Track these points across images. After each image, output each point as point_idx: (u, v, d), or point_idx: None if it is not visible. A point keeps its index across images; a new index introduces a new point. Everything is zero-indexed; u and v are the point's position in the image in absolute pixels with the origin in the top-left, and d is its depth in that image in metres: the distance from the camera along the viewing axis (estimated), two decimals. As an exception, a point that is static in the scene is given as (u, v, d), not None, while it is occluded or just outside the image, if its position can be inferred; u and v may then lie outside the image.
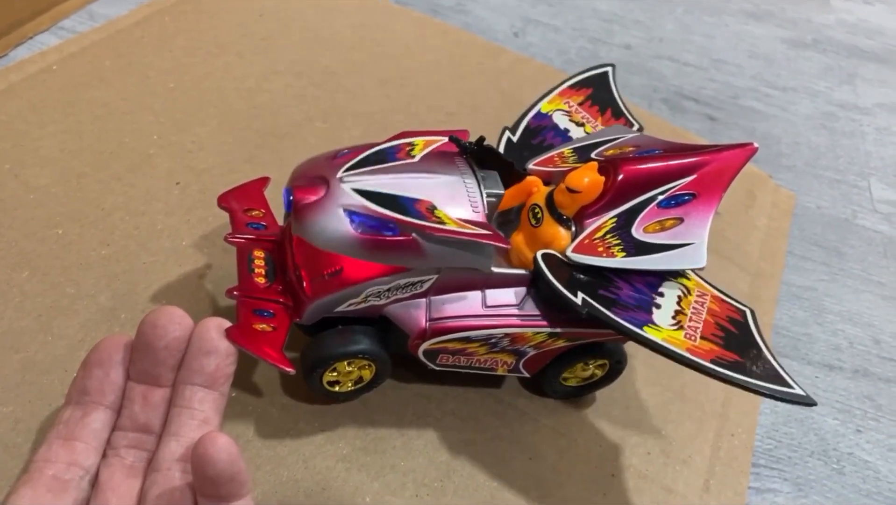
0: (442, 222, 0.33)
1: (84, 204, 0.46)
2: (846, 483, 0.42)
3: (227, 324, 0.32)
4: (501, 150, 0.42)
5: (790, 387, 0.32)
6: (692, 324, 0.35)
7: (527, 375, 0.39)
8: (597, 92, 0.46)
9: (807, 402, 0.32)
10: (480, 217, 0.34)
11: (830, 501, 0.41)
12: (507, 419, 0.40)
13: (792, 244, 0.57)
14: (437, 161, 0.36)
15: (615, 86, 0.47)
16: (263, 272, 0.37)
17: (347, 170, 0.34)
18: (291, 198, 0.34)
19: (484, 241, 0.33)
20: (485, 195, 0.35)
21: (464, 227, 0.33)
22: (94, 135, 0.51)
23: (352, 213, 0.33)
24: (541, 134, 0.43)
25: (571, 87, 0.47)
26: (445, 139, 0.38)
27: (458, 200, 0.34)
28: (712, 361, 0.32)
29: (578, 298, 0.33)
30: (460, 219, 0.33)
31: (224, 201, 0.40)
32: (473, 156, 0.38)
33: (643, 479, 0.39)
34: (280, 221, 0.40)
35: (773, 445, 0.43)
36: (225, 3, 0.67)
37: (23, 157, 0.49)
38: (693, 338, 0.34)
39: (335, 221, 0.33)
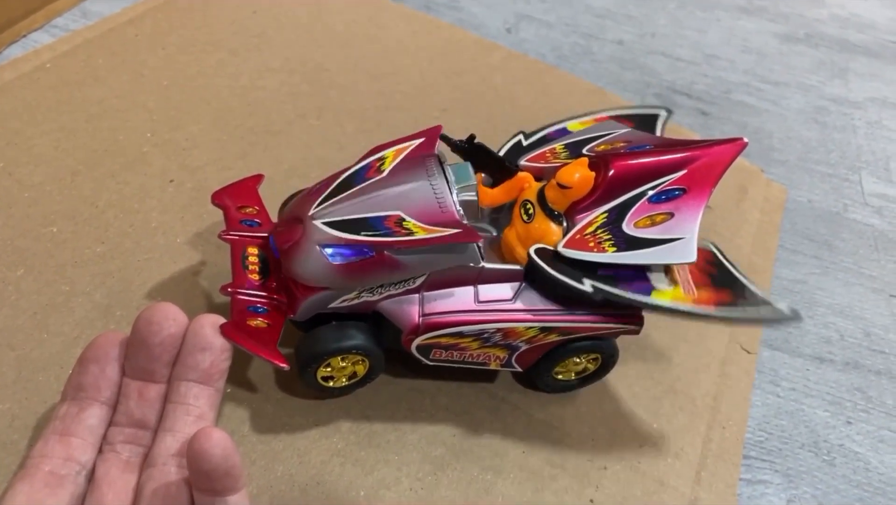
0: (411, 233, 0.33)
1: (78, 202, 0.47)
2: (836, 474, 0.42)
3: (222, 320, 0.32)
4: (507, 148, 0.42)
5: (778, 308, 0.35)
6: (683, 275, 0.36)
7: (519, 369, 0.39)
8: (637, 127, 0.42)
9: (793, 317, 0.35)
10: (451, 215, 0.35)
11: (821, 493, 0.41)
12: (500, 413, 0.41)
13: (783, 238, 0.57)
14: (406, 169, 0.37)
15: (662, 130, 0.43)
16: (257, 269, 0.37)
17: (319, 204, 0.36)
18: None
19: (452, 241, 0.33)
20: (455, 191, 0.36)
21: (432, 231, 0.33)
22: (87, 133, 0.51)
23: (325, 247, 0.34)
24: (551, 144, 0.43)
25: (614, 116, 0.44)
26: (417, 142, 0.38)
27: (426, 205, 0.35)
28: (717, 307, 0.35)
29: (587, 286, 0.34)
30: (430, 223, 0.34)
31: (218, 199, 0.40)
32: (464, 153, 0.38)
33: (635, 471, 0.39)
34: (273, 218, 0.40)
35: (764, 437, 0.44)
36: (217, 0, 0.67)
37: (17, 155, 0.49)
38: (690, 290, 0.36)
39: (314, 259, 0.34)
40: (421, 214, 0.35)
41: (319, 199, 0.36)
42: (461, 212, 0.35)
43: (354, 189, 0.36)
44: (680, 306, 0.35)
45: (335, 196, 0.36)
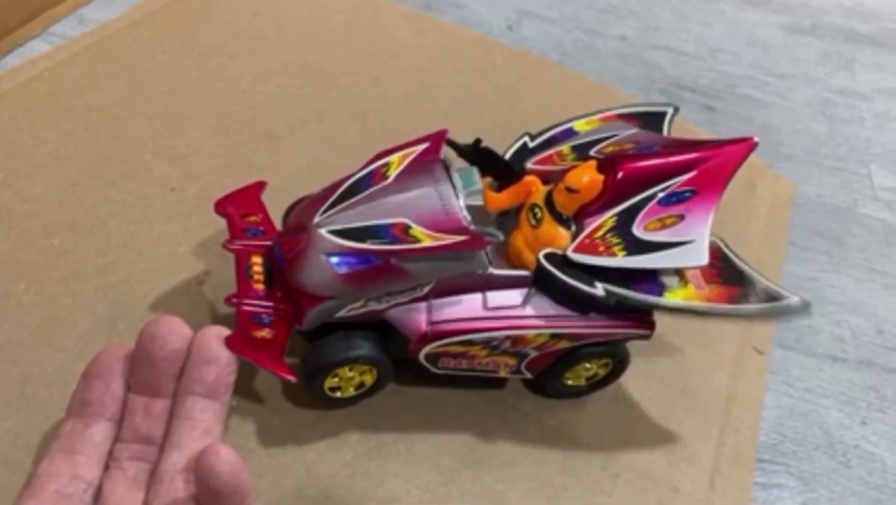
0: (417, 240, 0.33)
1: (80, 213, 0.46)
2: (852, 476, 0.42)
3: (227, 332, 0.32)
4: (512, 151, 0.41)
5: (789, 300, 0.36)
6: (693, 271, 0.36)
7: (529, 376, 0.39)
8: (645, 126, 0.41)
9: (805, 307, 0.36)
10: (458, 222, 0.34)
11: (837, 495, 0.41)
12: (509, 421, 0.40)
13: (793, 234, 0.56)
14: (411, 175, 0.36)
15: (669, 128, 0.42)
16: (262, 278, 0.37)
17: (324, 212, 0.35)
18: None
19: (459, 248, 0.33)
20: (462, 197, 0.35)
21: (439, 238, 0.33)
22: (87, 142, 0.51)
23: (331, 255, 0.33)
24: (558, 146, 0.42)
25: (620, 115, 0.43)
26: (422, 147, 0.38)
27: (432, 211, 0.34)
28: (730, 303, 0.35)
29: (600, 290, 0.34)
30: (436, 229, 0.34)
31: (221, 207, 0.40)
32: (470, 157, 0.38)
33: (648, 478, 0.39)
34: (277, 226, 0.40)
35: (778, 439, 0.43)
36: (217, 3, 0.66)
37: (16, 166, 0.48)
38: (701, 286, 0.36)
39: (318, 267, 0.34)
40: (427, 221, 0.34)
41: (324, 207, 0.36)
42: (468, 218, 0.34)
43: (360, 196, 0.36)
44: (693, 305, 0.35)
45: (340, 203, 0.36)
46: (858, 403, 0.46)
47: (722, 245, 0.39)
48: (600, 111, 0.43)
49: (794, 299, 0.36)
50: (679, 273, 0.36)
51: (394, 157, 0.38)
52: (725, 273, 0.37)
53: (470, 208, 0.35)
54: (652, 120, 0.42)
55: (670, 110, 0.43)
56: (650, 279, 0.36)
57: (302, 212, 0.37)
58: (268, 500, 0.35)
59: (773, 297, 0.36)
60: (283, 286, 0.36)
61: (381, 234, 0.34)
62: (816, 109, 0.70)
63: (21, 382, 0.38)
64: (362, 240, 0.33)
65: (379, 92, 0.60)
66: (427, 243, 0.33)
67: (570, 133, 0.42)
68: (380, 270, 0.33)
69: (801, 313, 0.36)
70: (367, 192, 0.36)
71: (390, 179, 0.36)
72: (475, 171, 0.37)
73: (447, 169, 0.36)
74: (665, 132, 0.42)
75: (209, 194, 0.46)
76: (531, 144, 0.42)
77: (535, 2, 0.80)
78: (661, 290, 0.35)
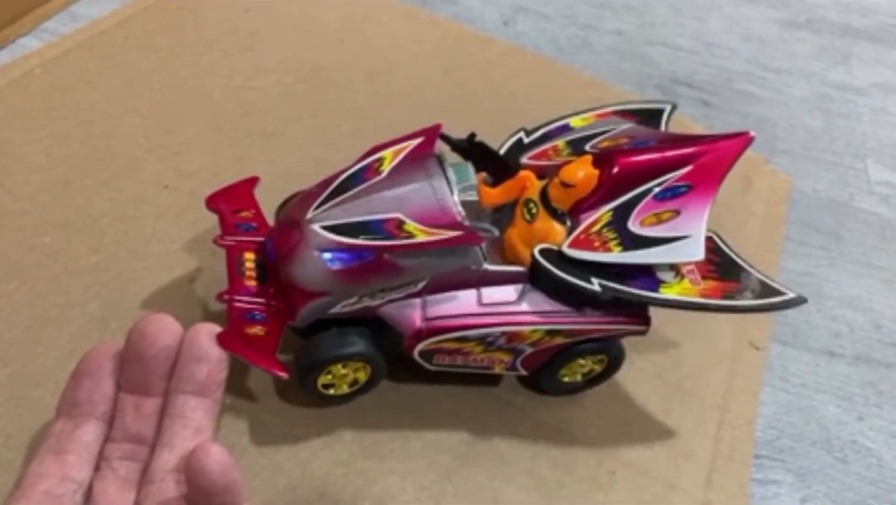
0: (411, 236, 0.33)
1: (71, 211, 0.46)
2: (849, 472, 0.42)
3: (218, 329, 0.32)
4: (507, 147, 0.41)
5: (784, 294, 0.36)
6: (688, 266, 0.36)
7: (524, 372, 0.38)
8: (641, 122, 0.41)
9: (800, 301, 0.35)
10: (452, 217, 0.34)
11: (834, 491, 0.41)
12: (505, 418, 0.40)
13: (789, 229, 0.56)
14: (404, 170, 0.36)
15: (667, 125, 0.42)
16: (254, 274, 0.36)
17: (317, 207, 0.35)
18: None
19: (453, 244, 0.33)
20: (456, 192, 0.35)
21: (433, 234, 0.33)
22: (79, 140, 0.50)
23: (324, 251, 0.33)
24: (553, 141, 0.41)
25: (617, 112, 0.42)
26: (416, 142, 0.37)
27: (426, 206, 0.34)
28: (724, 298, 0.35)
29: (596, 285, 0.34)
30: (430, 225, 0.33)
31: (212, 203, 0.40)
32: (464, 152, 0.37)
33: (645, 475, 0.38)
34: (270, 221, 0.39)
35: (775, 435, 0.43)
36: (209, -1, 0.66)
37: (7, 164, 0.48)
38: (697, 281, 0.35)
39: (312, 263, 0.33)
40: (421, 216, 0.34)
41: (317, 202, 0.35)
42: (462, 213, 0.34)
43: (353, 191, 0.35)
44: (689, 299, 0.35)
45: (333, 199, 0.35)
46: (855, 398, 0.45)
47: (717, 239, 0.39)
48: (597, 108, 0.43)
49: (788, 294, 0.36)
50: (675, 268, 0.36)
51: (387, 153, 0.37)
52: (721, 268, 0.37)
53: (464, 204, 0.35)
54: (649, 117, 0.42)
55: (668, 108, 0.42)
56: (646, 274, 0.35)
57: (295, 207, 0.37)
58: (262, 499, 0.35)
59: (768, 291, 0.36)
60: (276, 282, 0.36)
61: (375, 229, 0.33)
62: (813, 104, 0.70)
63: (11, 381, 0.37)
64: (355, 236, 0.33)
65: (373, 88, 0.60)
66: (421, 239, 0.33)
67: (565, 129, 0.42)
68: (373, 266, 0.33)
69: (796, 305, 0.36)
70: (361, 187, 0.35)
71: (384, 174, 0.36)
72: (469, 167, 0.37)
73: (441, 164, 0.36)
74: (662, 129, 0.42)
75: (202, 192, 0.46)
76: (526, 140, 0.41)
77: (530, -3, 0.79)
78: (656, 285, 0.35)
